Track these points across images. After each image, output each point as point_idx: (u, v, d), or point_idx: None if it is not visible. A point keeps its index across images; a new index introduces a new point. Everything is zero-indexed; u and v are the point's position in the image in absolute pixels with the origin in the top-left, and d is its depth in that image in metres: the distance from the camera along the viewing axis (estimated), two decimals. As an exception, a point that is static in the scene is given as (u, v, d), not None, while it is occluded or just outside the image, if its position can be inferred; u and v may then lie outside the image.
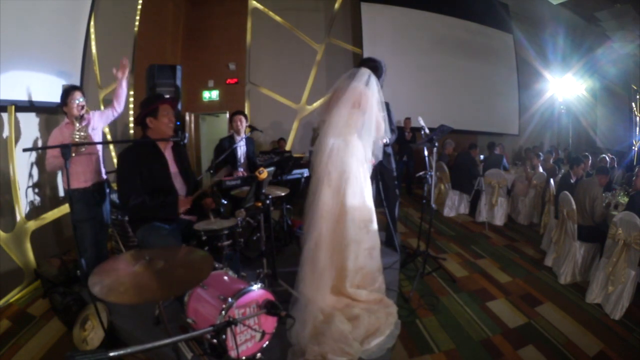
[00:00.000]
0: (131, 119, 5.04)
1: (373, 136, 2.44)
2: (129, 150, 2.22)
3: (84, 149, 2.63)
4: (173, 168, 2.31)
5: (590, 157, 5.19)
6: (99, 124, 2.85)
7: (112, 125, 4.51)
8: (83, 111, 2.67)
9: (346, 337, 2.03)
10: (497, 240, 4.34)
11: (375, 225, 2.52)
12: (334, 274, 2.36)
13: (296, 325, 2.09)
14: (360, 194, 2.40)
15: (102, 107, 4.04)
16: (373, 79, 2.38)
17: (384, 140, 3.11)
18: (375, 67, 2.49)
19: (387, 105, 3.10)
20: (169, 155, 2.32)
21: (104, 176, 2.89)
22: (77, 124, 2.63)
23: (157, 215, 2.14)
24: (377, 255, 2.53)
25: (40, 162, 3.16)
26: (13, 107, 2.89)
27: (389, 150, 3.27)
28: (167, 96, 3.10)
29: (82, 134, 2.64)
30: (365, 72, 2.39)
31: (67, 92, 2.63)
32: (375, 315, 2.27)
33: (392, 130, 3.25)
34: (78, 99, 2.63)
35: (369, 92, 2.34)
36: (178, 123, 2.76)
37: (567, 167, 5.21)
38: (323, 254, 2.31)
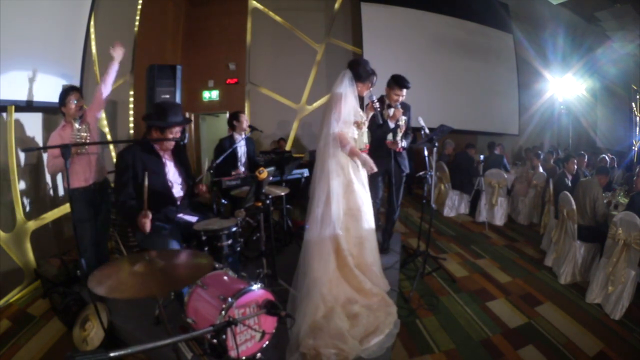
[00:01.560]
0: (131, 119, 5.04)
1: (354, 125, 2.53)
2: (128, 148, 2.23)
3: (84, 149, 2.63)
4: (171, 168, 2.32)
5: (586, 156, 5.18)
6: (92, 120, 2.82)
7: (112, 125, 4.52)
8: (81, 112, 2.68)
9: (343, 335, 2.03)
10: (497, 240, 4.34)
11: (367, 219, 2.54)
12: (334, 251, 2.40)
13: (297, 318, 2.11)
14: (349, 184, 2.47)
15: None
16: (346, 76, 2.48)
17: (402, 144, 3.14)
18: (351, 64, 2.56)
19: (408, 107, 3.19)
20: (167, 155, 2.32)
21: (105, 175, 2.89)
22: (76, 125, 2.63)
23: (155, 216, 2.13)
24: (370, 248, 2.56)
25: (40, 162, 3.16)
26: (13, 107, 2.90)
27: (405, 153, 3.29)
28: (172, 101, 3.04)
29: (82, 134, 2.64)
30: (340, 76, 2.50)
31: (65, 93, 2.63)
32: (375, 314, 2.28)
33: (407, 134, 3.23)
34: (76, 99, 2.63)
35: (345, 90, 2.46)
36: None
37: (565, 167, 5.20)
38: (328, 235, 2.36)
